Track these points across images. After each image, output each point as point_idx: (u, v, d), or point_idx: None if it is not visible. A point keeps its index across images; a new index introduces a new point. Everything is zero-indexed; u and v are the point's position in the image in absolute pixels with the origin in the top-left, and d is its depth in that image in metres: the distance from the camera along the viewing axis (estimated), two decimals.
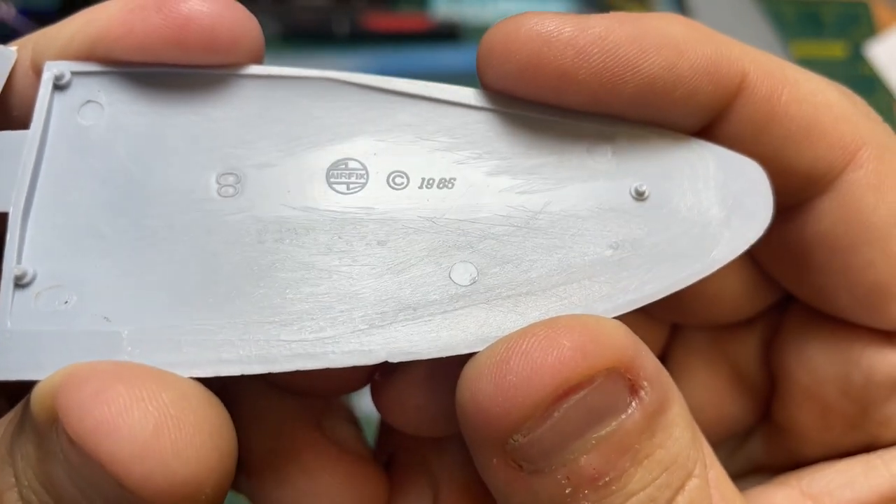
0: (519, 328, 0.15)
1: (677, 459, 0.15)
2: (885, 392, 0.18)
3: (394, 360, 0.16)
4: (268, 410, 0.20)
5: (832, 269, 0.18)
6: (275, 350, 0.15)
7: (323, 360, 0.15)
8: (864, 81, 0.71)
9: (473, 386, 0.14)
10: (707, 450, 0.16)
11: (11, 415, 0.15)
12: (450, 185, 0.17)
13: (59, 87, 0.17)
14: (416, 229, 0.17)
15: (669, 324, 0.23)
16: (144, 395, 0.13)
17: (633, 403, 0.14)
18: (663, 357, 0.23)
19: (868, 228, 0.17)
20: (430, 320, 0.16)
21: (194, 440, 0.13)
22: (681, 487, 0.15)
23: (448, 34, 0.75)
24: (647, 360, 0.15)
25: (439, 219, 0.17)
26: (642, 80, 0.16)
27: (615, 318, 0.16)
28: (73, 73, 0.17)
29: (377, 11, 0.76)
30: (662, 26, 0.16)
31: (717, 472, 0.16)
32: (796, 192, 0.18)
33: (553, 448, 0.14)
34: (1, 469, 0.14)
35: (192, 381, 0.14)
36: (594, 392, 0.14)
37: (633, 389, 0.14)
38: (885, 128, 0.18)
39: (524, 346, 0.14)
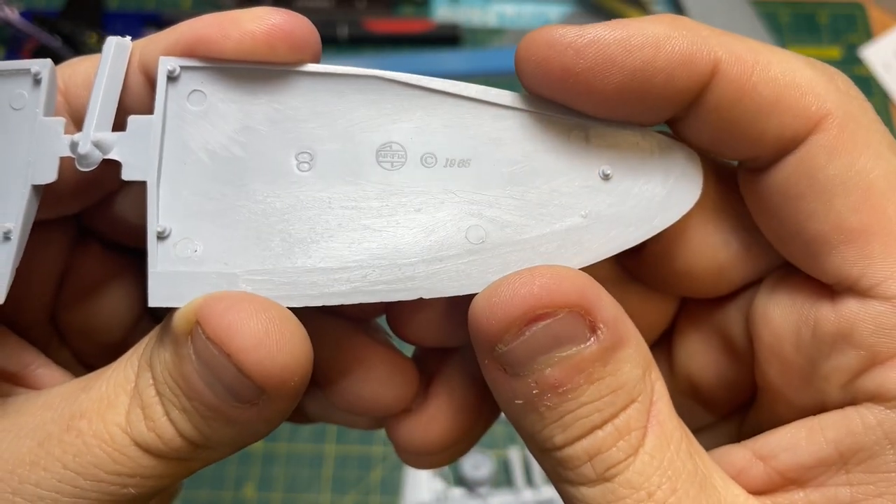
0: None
1: (624, 387, 0.19)
2: (827, 347, 0.20)
3: (427, 297, 0.21)
4: (324, 331, 0.25)
5: (787, 217, 0.21)
6: (342, 287, 0.21)
7: (376, 296, 0.21)
8: (859, 83, 0.72)
9: (476, 305, 0.20)
10: (659, 388, 0.20)
11: (146, 340, 0.21)
12: (467, 165, 0.22)
13: (171, 78, 0.21)
14: (441, 200, 0.21)
15: (677, 298, 0.26)
16: (259, 310, 0.19)
17: (592, 339, 0.19)
18: (672, 326, 0.27)
19: (815, 183, 0.20)
20: (452, 268, 0.21)
21: (290, 341, 0.19)
22: (624, 408, 0.19)
23: (448, 37, 0.75)
24: (607, 308, 0.19)
25: (458, 191, 0.22)
26: (626, 72, 0.20)
27: (582, 269, 0.20)
28: (182, 68, 0.21)
29: (378, 14, 0.77)
30: (646, 26, 0.20)
31: (661, 406, 0.20)
32: (770, 154, 0.21)
33: (524, 359, 0.19)
34: (143, 374, 0.20)
35: (285, 308, 0.20)
36: (557, 322, 0.19)
37: (592, 328, 0.19)
38: (859, 102, 0.21)
39: (509, 281, 0.19)
